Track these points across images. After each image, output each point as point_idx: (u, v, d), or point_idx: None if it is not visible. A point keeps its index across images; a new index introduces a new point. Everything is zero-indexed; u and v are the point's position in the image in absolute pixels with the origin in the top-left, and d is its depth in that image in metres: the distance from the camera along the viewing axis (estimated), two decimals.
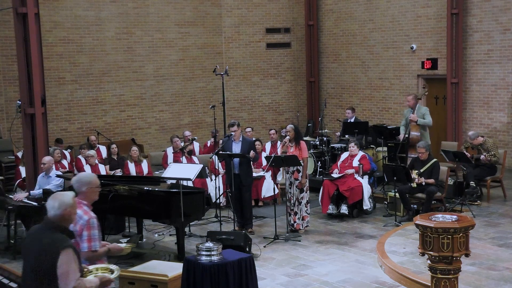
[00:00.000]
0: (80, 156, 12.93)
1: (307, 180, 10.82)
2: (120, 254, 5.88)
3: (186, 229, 10.40)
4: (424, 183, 11.00)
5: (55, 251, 4.58)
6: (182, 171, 9.95)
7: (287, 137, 10.75)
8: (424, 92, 13.34)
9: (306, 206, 10.76)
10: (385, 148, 13.72)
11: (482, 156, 12.08)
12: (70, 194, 4.98)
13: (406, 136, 12.51)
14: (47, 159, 10.33)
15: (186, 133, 14.35)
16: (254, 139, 12.76)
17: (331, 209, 11.54)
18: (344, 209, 11.50)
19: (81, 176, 5.80)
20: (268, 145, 13.67)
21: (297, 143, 10.69)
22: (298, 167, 10.57)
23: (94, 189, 5.70)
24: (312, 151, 14.02)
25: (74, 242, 5.16)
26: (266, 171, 12.40)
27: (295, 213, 10.69)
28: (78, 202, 5.28)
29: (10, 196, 10.61)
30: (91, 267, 5.10)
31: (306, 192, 10.75)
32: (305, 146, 10.77)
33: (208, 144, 14.54)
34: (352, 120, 14.58)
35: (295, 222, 10.69)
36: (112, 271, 5.09)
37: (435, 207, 11.13)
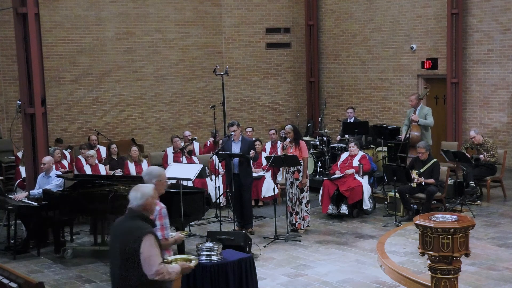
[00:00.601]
0: (80, 156, 12.93)
1: (308, 180, 10.83)
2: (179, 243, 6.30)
3: (186, 229, 10.40)
4: (424, 183, 11.01)
5: (138, 236, 4.90)
6: (182, 171, 9.96)
7: (288, 139, 10.73)
8: (426, 92, 13.36)
9: (306, 206, 10.77)
10: (385, 148, 13.73)
11: (481, 156, 12.08)
12: (150, 186, 5.37)
13: (407, 136, 12.51)
14: (47, 159, 10.33)
15: (186, 133, 14.35)
16: (254, 139, 12.76)
17: (331, 209, 11.55)
18: (344, 209, 11.50)
19: (152, 169, 6.21)
20: (268, 145, 13.67)
21: (297, 143, 10.69)
22: (299, 167, 10.57)
23: (162, 183, 6.07)
24: (312, 151, 14.03)
25: None
26: (266, 171, 12.40)
27: (296, 213, 10.70)
28: None
29: (10, 196, 10.62)
30: (170, 258, 5.49)
31: (306, 192, 10.76)
32: (305, 146, 10.76)
33: (208, 144, 14.53)
34: (352, 120, 14.59)
35: (296, 221, 10.70)
36: (190, 261, 5.47)
37: (435, 207, 11.13)
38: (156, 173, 6.10)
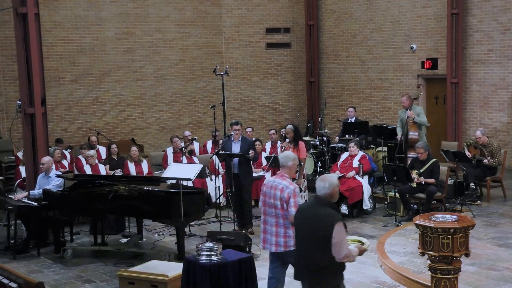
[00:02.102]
0: (80, 156, 12.93)
1: (305, 180, 10.82)
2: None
3: (186, 229, 10.40)
4: (424, 183, 11.00)
5: (330, 223, 5.36)
6: (182, 171, 9.96)
7: (287, 140, 10.72)
8: (419, 92, 13.37)
9: None
10: (385, 148, 13.74)
11: (485, 161, 12.03)
12: (335, 176, 5.83)
13: (403, 136, 12.54)
14: (46, 159, 10.33)
15: (186, 133, 14.34)
16: (254, 139, 12.75)
17: None
18: (344, 209, 11.50)
19: (288, 153, 7.09)
20: (268, 145, 13.67)
21: (296, 144, 10.68)
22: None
23: (296, 166, 6.91)
24: (312, 151, 14.03)
25: (281, 207, 6.66)
26: (266, 171, 12.39)
27: None
28: (281, 175, 6.82)
29: (10, 196, 10.62)
30: None
31: (304, 192, 10.75)
32: (303, 147, 10.75)
33: (208, 144, 14.52)
34: (353, 119, 14.59)
35: None
36: (362, 243, 5.88)
37: (435, 207, 11.13)
38: (292, 157, 6.93)
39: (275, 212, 6.82)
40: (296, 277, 5.88)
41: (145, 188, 9.64)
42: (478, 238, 9.72)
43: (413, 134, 12.46)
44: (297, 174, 10.61)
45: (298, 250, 5.71)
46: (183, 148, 12.80)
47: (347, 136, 14.22)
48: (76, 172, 12.24)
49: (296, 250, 5.77)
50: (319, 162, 13.73)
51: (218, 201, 11.67)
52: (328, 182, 5.60)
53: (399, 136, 12.82)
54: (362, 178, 11.82)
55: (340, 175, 11.75)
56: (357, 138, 13.19)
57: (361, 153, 12.21)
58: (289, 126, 10.84)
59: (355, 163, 11.91)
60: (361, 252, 5.78)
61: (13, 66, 14.34)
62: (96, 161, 12.51)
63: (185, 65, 17.86)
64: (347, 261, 5.53)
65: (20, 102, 10.69)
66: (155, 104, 17.50)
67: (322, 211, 5.51)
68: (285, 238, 6.80)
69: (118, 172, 12.56)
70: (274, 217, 6.85)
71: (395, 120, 16.65)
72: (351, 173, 11.76)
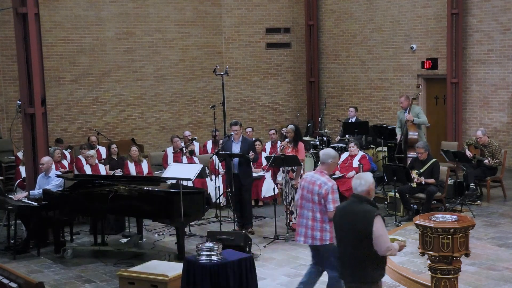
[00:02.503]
0: (80, 156, 12.93)
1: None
2: None
3: (186, 229, 10.40)
4: (424, 183, 11.00)
5: (370, 218, 5.56)
6: (182, 171, 9.95)
7: (286, 139, 10.71)
8: (419, 91, 13.36)
9: None
10: (385, 148, 13.74)
11: (486, 161, 12.03)
12: (370, 174, 6.00)
13: (402, 137, 12.54)
14: (45, 159, 10.33)
15: (186, 133, 14.34)
16: (254, 139, 12.75)
17: None
18: None
19: (328, 151, 7.23)
20: (268, 145, 13.66)
21: (295, 145, 10.67)
22: (293, 167, 10.56)
23: (335, 163, 7.25)
24: (312, 151, 14.03)
25: (318, 202, 6.92)
26: (266, 171, 12.39)
27: (291, 212, 10.69)
28: (320, 171, 7.09)
29: (10, 196, 10.62)
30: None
31: None
32: (302, 148, 10.74)
33: (208, 144, 14.53)
34: (354, 119, 14.58)
35: (291, 221, 10.69)
36: (400, 240, 6.02)
37: (435, 207, 11.13)
38: (332, 154, 7.14)
39: (312, 206, 7.06)
40: (340, 275, 6.06)
41: (145, 188, 9.64)
42: (478, 238, 9.71)
43: (412, 134, 12.47)
44: (295, 174, 10.62)
45: (339, 248, 5.89)
46: (183, 148, 12.80)
47: (347, 136, 14.22)
48: (76, 172, 12.24)
49: (337, 248, 5.96)
50: (319, 162, 13.71)
51: (218, 201, 11.66)
52: (364, 179, 5.80)
53: (398, 137, 12.84)
54: None
55: (340, 175, 11.75)
56: (353, 139, 13.18)
57: (361, 153, 12.21)
58: (290, 126, 10.84)
59: (355, 163, 11.91)
60: (401, 248, 5.96)
61: (13, 66, 14.34)
62: (96, 161, 12.51)
63: (185, 65, 17.86)
64: (389, 254, 5.72)
65: (20, 102, 10.69)
66: (155, 104, 17.50)
67: (361, 207, 5.69)
68: (321, 232, 7.05)
69: (118, 172, 12.56)
70: (311, 212, 7.09)
71: (395, 120, 16.62)
72: (351, 173, 11.76)
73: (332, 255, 6.91)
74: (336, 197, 6.94)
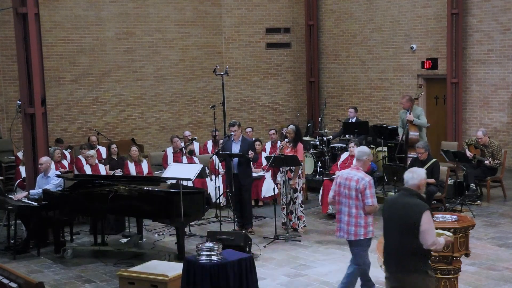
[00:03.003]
0: (80, 156, 12.92)
1: (303, 181, 10.82)
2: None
3: (186, 229, 10.40)
4: None
5: (419, 211, 5.64)
6: (182, 171, 9.95)
7: (286, 139, 10.71)
8: (420, 92, 13.37)
9: (301, 206, 10.76)
10: (385, 148, 13.73)
11: (486, 162, 12.03)
12: (423, 170, 6.07)
13: (404, 136, 12.54)
14: (44, 159, 10.32)
15: (186, 133, 14.34)
16: (254, 139, 12.75)
17: (331, 209, 11.53)
18: None
19: (363, 148, 7.53)
20: (268, 145, 13.66)
21: (295, 145, 10.67)
22: (291, 167, 10.57)
23: (370, 160, 7.47)
24: (312, 151, 14.03)
25: (355, 198, 7.18)
26: (266, 171, 12.39)
27: (291, 212, 10.70)
28: (356, 168, 7.37)
29: (10, 196, 10.62)
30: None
31: (300, 192, 10.75)
32: (301, 149, 10.74)
33: (208, 144, 14.53)
34: (354, 119, 14.58)
35: (291, 221, 10.69)
36: (447, 235, 6.05)
37: (435, 207, 11.12)
38: (367, 151, 7.44)
39: (349, 202, 7.32)
40: (385, 265, 6.11)
41: (145, 188, 9.64)
42: (478, 238, 9.71)
43: (413, 134, 12.46)
44: (292, 174, 10.63)
45: (387, 239, 5.98)
46: (183, 148, 12.80)
47: (347, 136, 14.21)
48: (76, 172, 12.23)
49: (384, 240, 6.05)
50: (319, 162, 13.73)
51: (218, 201, 11.66)
52: (416, 173, 5.92)
53: (400, 137, 12.81)
54: None
55: None
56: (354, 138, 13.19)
57: None
58: (291, 126, 10.84)
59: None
60: (448, 243, 6.04)
61: (13, 66, 14.34)
62: (96, 161, 12.51)
63: (185, 65, 17.86)
64: (434, 249, 5.82)
65: (20, 102, 10.69)
66: (155, 104, 17.50)
67: (411, 200, 5.78)
68: (356, 227, 7.34)
69: (118, 172, 12.56)
70: (347, 207, 7.35)
71: (395, 120, 16.65)
72: None
73: (364, 251, 7.35)
74: (373, 192, 7.20)
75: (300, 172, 10.75)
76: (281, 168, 10.76)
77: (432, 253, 5.93)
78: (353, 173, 7.35)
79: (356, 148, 7.65)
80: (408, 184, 5.93)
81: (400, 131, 12.93)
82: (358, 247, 7.45)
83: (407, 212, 5.74)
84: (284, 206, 10.71)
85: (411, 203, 5.77)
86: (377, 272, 8.62)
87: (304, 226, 10.81)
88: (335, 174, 11.83)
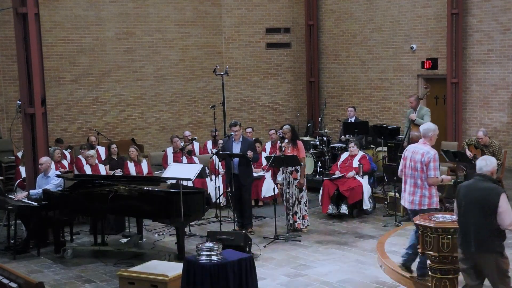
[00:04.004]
0: (80, 156, 12.92)
1: (305, 180, 10.84)
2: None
3: (186, 229, 10.40)
4: None
5: (497, 193, 6.05)
6: (182, 171, 9.95)
7: (285, 140, 10.71)
8: (426, 92, 13.35)
9: (306, 206, 10.78)
10: (385, 148, 13.72)
11: None
12: (494, 159, 6.47)
13: (406, 136, 12.53)
14: (43, 159, 10.32)
15: (186, 133, 14.34)
16: (253, 139, 12.75)
17: (331, 209, 11.55)
18: (344, 209, 11.50)
19: (430, 125, 7.91)
20: (268, 145, 13.67)
21: (294, 144, 10.68)
22: (297, 167, 10.57)
23: (436, 136, 7.78)
24: (312, 151, 14.03)
25: (420, 170, 7.60)
26: (266, 171, 12.40)
27: (295, 213, 10.70)
28: (423, 143, 7.72)
29: (10, 196, 10.62)
30: None
31: (304, 192, 10.76)
32: (302, 147, 10.76)
33: (208, 144, 14.53)
34: (353, 119, 14.58)
35: (295, 221, 10.70)
36: None
37: None
38: (432, 128, 7.79)
39: (414, 174, 7.73)
40: (462, 247, 6.23)
41: (145, 188, 9.64)
42: None
43: (414, 133, 12.44)
44: (299, 174, 10.63)
45: (466, 222, 6.17)
46: (183, 148, 12.80)
47: (347, 136, 14.20)
48: (76, 172, 12.23)
49: (461, 223, 6.24)
50: (319, 162, 13.73)
51: (218, 201, 11.66)
52: (489, 160, 6.32)
53: (404, 136, 12.79)
54: (362, 178, 11.82)
55: (340, 175, 11.76)
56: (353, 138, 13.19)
57: (361, 153, 12.21)
58: (286, 127, 10.85)
59: (355, 163, 11.91)
60: None
61: (13, 66, 14.34)
62: (96, 161, 12.51)
63: (185, 65, 17.86)
64: (511, 229, 6.09)
65: (20, 102, 10.68)
66: (155, 104, 17.50)
67: (486, 184, 6.18)
68: (421, 198, 7.72)
69: (118, 172, 12.55)
70: (413, 178, 7.76)
71: (395, 120, 16.67)
72: (351, 173, 11.76)
73: None
74: (437, 165, 7.58)
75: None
76: (283, 169, 10.76)
77: (505, 234, 6.19)
78: (420, 147, 7.74)
79: (421, 126, 7.92)
80: (482, 170, 6.29)
81: (405, 130, 12.89)
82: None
83: (484, 195, 6.08)
84: (290, 208, 10.69)
85: (487, 187, 6.14)
86: (377, 272, 8.65)
87: (308, 225, 10.82)
88: (335, 174, 11.89)
